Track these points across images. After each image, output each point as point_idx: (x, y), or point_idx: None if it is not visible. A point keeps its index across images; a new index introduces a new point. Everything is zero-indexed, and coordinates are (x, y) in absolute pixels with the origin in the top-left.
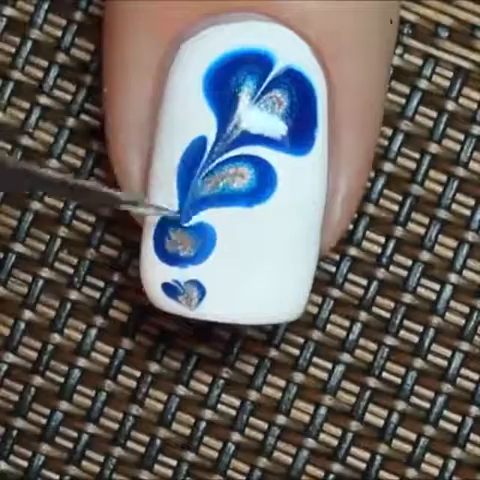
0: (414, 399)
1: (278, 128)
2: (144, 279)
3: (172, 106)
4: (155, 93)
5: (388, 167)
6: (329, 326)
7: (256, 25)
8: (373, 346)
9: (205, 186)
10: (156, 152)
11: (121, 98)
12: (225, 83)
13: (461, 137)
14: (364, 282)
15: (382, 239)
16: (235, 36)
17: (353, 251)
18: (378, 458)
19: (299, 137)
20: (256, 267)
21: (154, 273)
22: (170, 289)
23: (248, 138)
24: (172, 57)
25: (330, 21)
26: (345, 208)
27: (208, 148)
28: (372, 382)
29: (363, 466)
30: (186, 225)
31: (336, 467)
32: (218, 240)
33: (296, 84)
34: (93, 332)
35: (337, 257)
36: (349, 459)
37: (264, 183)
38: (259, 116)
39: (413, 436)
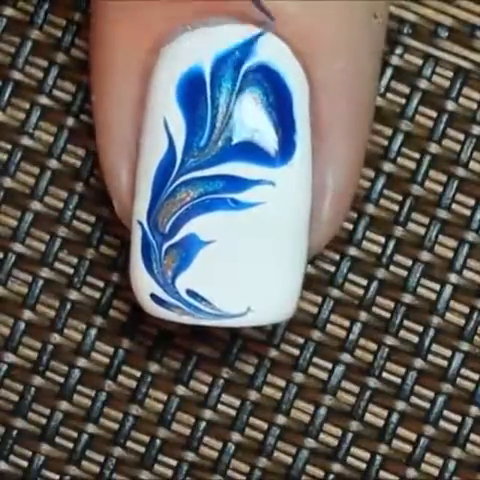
0: (414, 399)
1: (255, 136)
2: (134, 288)
3: (151, 112)
4: (140, 98)
5: (388, 167)
6: (329, 326)
7: (232, 28)
8: (373, 346)
9: (179, 195)
10: (139, 158)
11: (108, 103)
12: (197, 89)
13: (461, 137)
14: (364, 282)
15: (382, 239)
16: (210, 41)
17: (353, 251)
18: (378, 458)
19: (279, 146)
20: (241, 272)
21: (142, 284)
22: (159, 298)
23: (222, 153)
24: (153, 62)
25: (308, 20)
26: (335, 209)
27: (179, 158)
28: (372, 382)
29: (363, 466)
30: (170, 243)
31: (336, 467)
32: (201, 247)
33: (273, 85)
34: (93, 332)
35: (337, 257)
36: (349, 459)
37: (242, 197)
38: (232, 124)
39: (413, 436)
